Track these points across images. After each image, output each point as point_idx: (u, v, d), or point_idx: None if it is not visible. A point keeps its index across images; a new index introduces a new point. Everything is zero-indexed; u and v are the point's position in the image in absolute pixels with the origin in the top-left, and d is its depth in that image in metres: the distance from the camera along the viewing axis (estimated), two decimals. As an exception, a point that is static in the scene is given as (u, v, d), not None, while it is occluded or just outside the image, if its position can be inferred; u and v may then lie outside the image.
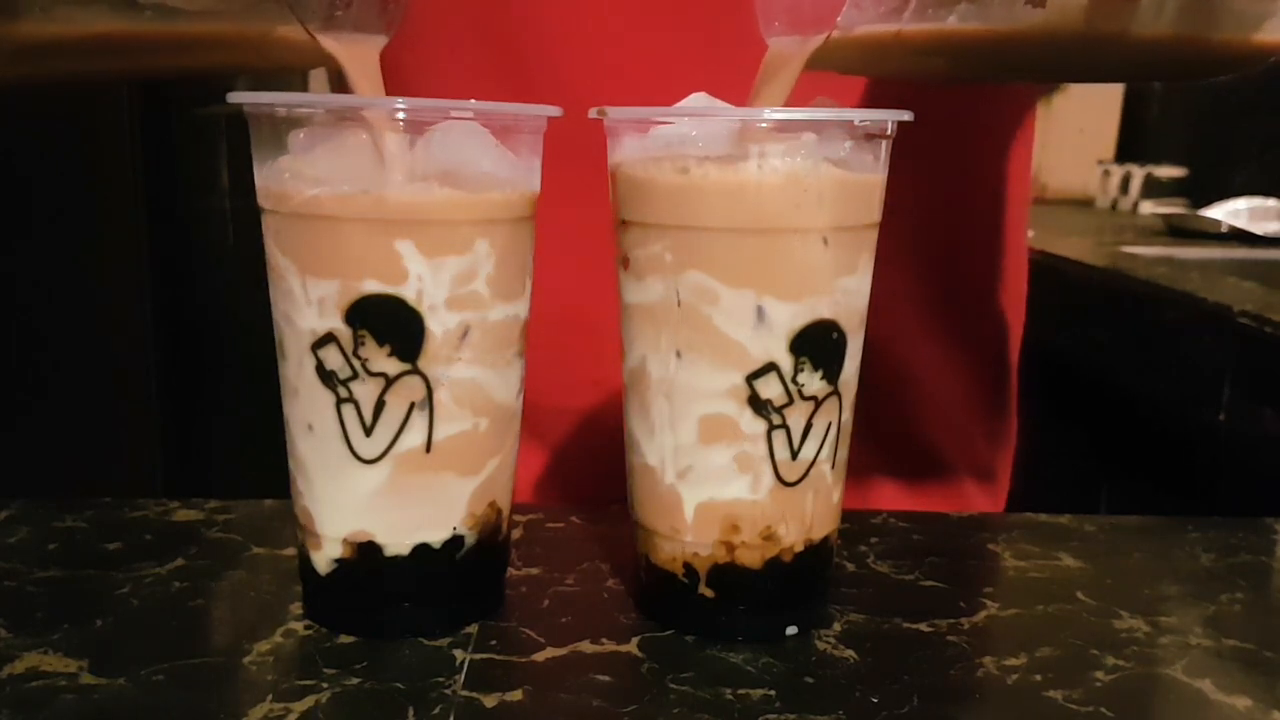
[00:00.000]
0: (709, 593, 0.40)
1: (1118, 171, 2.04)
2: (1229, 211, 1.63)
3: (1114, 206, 2.03)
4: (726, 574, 0.40)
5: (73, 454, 1.33)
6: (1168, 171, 2.00)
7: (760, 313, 0.38)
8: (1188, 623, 0.43)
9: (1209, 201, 1.70)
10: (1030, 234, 1.44)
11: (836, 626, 0.42)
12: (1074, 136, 2.07)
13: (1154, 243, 1.57)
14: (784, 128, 0.37)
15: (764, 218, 0.37)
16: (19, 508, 0.51)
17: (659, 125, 0.39)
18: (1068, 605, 0.44)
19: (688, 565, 0.40)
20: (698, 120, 0.38)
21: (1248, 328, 0.88)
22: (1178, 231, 1.68)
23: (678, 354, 0.39)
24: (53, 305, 1.35)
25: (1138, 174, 2.01)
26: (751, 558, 0.40)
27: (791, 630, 0.41)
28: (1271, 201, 1.64)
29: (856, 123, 0.38)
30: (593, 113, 0.40)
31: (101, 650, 0.38)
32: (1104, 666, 0.39)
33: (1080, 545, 0.51)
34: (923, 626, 0.42)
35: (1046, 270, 1.27)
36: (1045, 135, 2.03)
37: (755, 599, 0.41)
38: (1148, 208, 1.95)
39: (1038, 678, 0.38)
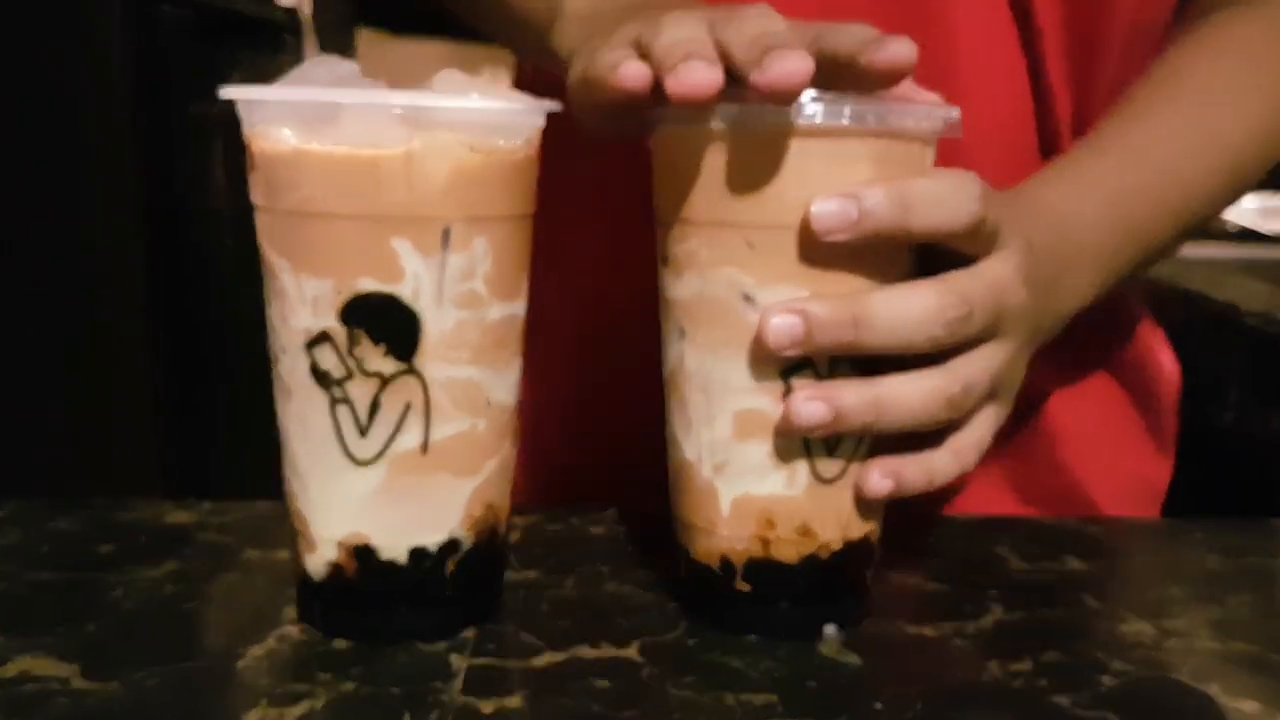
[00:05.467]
0: (745, 587, 0.40)
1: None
2: (1237, 210, 1.62)
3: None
4: (762, 569, 0.40)
5: (71, 454, 1.33)
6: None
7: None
8: (1194, 626, 0.43)
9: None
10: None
11: (839, 630, 0.41)
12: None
13: (1159, 242, 1.56)
14: (822, 131, 0.36)
15: (797, 212, 0.37)
16: (12, 509, 0.51)
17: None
18: (1073, 608, 0.44)
19: (724, 559, 0.40)
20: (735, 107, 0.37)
21: (1255, 328, 0.88)
22: (1183, 230, 1.67)
23: (714, 349, 0.39)
24: (50, 305, 1.35)
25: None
26: (787, 553, 0.40)
27: (829, 629, 0.41)
28: (1279, 200, 1.63)
29: (901, 125, 0.38)
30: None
31: (94, 653, 0.38)
32: (1110, 670, 0.39)
33: (1085, 548, 0.50)
34: (927, 630, 0.42)
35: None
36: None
37: (792, 594, 0.40)
38: (1152, 207, 1.94)
39: (1043, 682, 0.38)
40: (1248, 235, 1.59)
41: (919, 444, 0.41)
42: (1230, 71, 0.54)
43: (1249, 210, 1.61)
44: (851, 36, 0.36)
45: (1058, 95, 0.53)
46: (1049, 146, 0.54)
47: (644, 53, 0.37)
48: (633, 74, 0.36)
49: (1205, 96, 0.53)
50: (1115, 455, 0.61)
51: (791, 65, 0.33)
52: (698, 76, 0.34)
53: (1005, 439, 0.58)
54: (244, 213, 0.40)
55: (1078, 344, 0.58)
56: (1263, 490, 0.93)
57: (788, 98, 0.34)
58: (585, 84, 0.39)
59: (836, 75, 0.37)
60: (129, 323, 1.34)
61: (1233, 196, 0.54)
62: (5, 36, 1.32)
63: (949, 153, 0.41)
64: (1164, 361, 0.63)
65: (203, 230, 1.44)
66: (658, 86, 0.35)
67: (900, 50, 0.35)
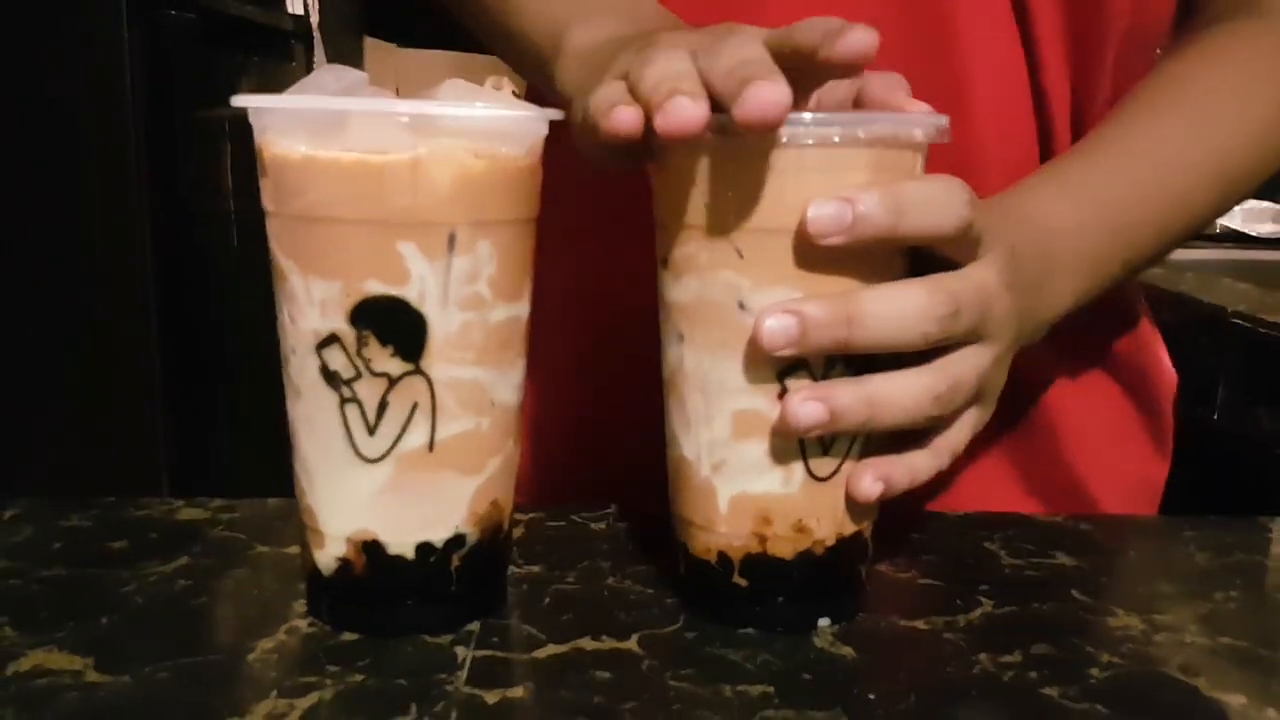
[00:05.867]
0: (742, 582, 0.41)
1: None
2: (1225, 213, 1.62)
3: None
4: (759, 564, 0.41)
5: (78, 454, 1.33)
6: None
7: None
8: (1183, 620, 0.43)
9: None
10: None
11: (834, 624, 0.42)
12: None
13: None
14: (821, 138, 0.37)
15: (792, 217, 0.38)
16: (24, 506, 0.51)
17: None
18: (1063, 603, 0.45)
19: (722, 555, 0.41)
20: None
21: (1242, 328, 0.89)
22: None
23: (712, 351, 0.40)
24: (57, 306, 1.35)
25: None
26: (783, 549, 0.41)
27: (824, 622, 0.42)
28: (1266, 203, 1.64)
29: (892, 134, 0.38)
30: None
31: (106, 648, 0.39)
32: (1099, 664, 0.39)
33: (1075, 544, 0.51)
34: (919, 624, 0.42)
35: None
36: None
37: (787, 589, 0.41)
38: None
39: (1033, 675, 0.38)
40: (1235, 237, 1.60)
41: (907, 443, 0.42)
42: (1233, 80, 0.54)
43: (1236, 213, 1.62)
44: (814, 31, 0.36)
45: (1055, 100, 0.54)
46: (1048, 151, 0.55)
47: (633, 90, 0.38)
48: (625, 120, 0.37)
49: (1205, 103, 0.53)
50: (1117, 455, 0.62)
51: (768, 96, 0.34)
52: (684, 115, 0.35)
53: (1011, 433, 0.59)
54: (247, 216, 0.41)
55: (1083, 344, 0.59)
56: (1252, 489, 0.93)
57: (769, 128, 0.35)
58: (584, 126, 0.40)
59: (815, 72, 0.38)
60: (132, 323, 1.35)
61: (1227, 205, 0.54)
62: (10, 40, 1.33)
63: (952, 157, 0.42)
64: (1163, 363, 0.64)
65: (206, 233, 1.45)
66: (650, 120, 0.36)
67: (859, 39, 0.36)
